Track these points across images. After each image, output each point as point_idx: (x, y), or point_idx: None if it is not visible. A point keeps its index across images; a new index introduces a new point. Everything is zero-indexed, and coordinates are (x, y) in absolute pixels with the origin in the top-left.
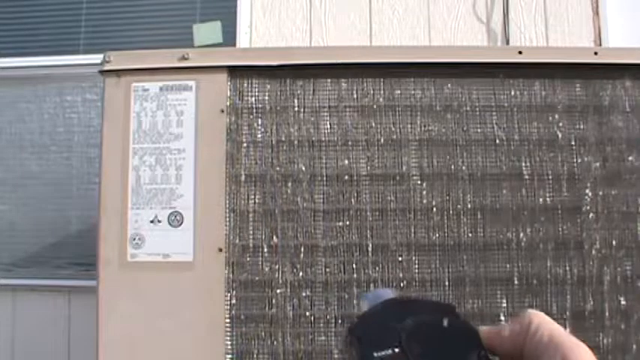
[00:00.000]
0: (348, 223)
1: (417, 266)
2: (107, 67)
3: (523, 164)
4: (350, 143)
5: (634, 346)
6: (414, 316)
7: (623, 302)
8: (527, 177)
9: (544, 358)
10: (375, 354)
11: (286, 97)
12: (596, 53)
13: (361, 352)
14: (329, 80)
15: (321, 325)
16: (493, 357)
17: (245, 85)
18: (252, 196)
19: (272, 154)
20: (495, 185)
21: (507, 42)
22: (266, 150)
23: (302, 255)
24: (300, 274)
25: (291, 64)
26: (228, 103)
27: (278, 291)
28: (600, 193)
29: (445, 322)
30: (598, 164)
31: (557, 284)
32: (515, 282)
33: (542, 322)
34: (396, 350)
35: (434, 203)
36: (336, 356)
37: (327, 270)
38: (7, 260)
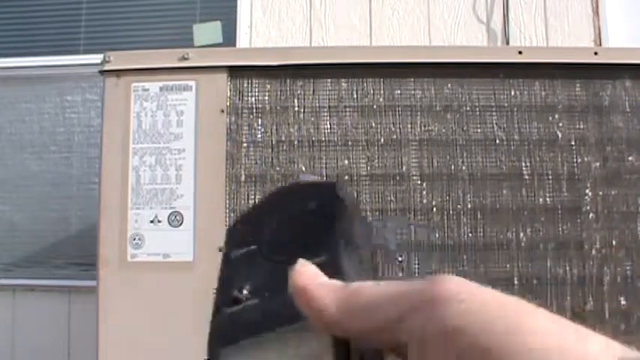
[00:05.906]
0: None
1: (417, 266)
2: (107, 67)
3: (523, 164)
4: (350, 143)
5: (634, 347)
6: (295, 205)
7: (623, 302)
8: (527, 177)
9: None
10: (233, 254)
11: (286, 97)
12: (596, 53)
13: (223, 253)
14: (329, 80)
15: None
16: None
17: (245, 85)
18: (252, 196)
19: (272, 154)
20: (495, 185)
21: (507, 42)
22: (266, 150)
23: None
24: None
25: (291, 64)
26: (228, 103)
27: None
28: (600, 193)
29: (312, 206)
30: (598, 164)
31: (557, 284)
32: (515, 282)
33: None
34: (252, 247)
35: (434, 203)
36: None
37: None
38: (7, 260)
